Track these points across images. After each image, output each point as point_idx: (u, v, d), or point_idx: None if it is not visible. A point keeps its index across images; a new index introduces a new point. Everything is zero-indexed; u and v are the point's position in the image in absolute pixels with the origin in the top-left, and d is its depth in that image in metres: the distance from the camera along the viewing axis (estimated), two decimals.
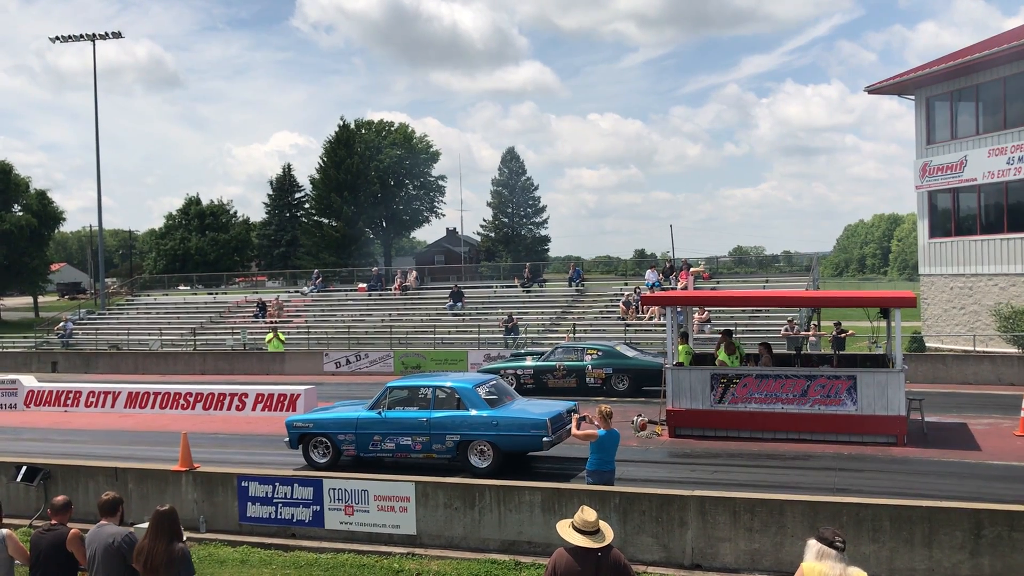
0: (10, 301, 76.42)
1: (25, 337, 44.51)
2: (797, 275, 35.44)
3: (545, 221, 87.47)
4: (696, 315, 27.26)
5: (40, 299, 76.09)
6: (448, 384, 13.88)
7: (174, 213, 77.92)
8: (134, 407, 21.41)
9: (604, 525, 5.58)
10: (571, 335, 29.63)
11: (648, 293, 29.84)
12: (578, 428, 10.67)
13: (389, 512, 10.11)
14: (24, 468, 11.58)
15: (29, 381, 23.33)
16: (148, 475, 11.40)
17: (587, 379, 21.27)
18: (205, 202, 77.84)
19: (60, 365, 33.83)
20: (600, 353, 21.58)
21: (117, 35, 48.92)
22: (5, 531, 6.72)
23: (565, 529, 5.54)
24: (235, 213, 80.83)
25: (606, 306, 34.19)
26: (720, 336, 17.93)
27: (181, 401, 21.05)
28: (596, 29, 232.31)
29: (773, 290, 29.95)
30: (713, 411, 15.53)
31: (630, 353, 21.86)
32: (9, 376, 24.21)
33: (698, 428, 15.68)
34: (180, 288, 50.65)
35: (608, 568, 5.40)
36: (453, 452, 13.41)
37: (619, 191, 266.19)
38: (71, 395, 22.26)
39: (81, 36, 48.92)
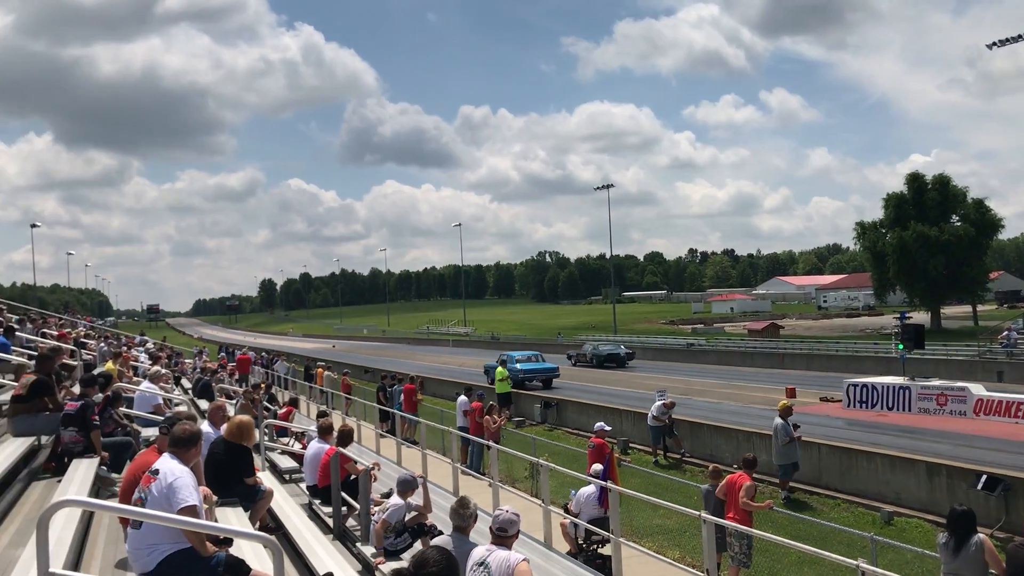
0: (950, 310, 78.26)
1: (967, 345, 45.07)
2: None
3: None
4: None
5: (979, 308, 76.19)
6: None
7: None
8: None
9: None
10: None
11: None
12: None
13: None
14: (984, 477, 11.76)
15: (977, 389, 23.57)
16: None
17: None
18: None
19: (1005, 375, 33.26)
20: None
21: None
22: (981, 536, 6.92)
23: None
24: None
25: None
26: None
27: None
28: None
29: None
30: None
31: None
32: (957, 383, 24.90)
33: None
34: None
35: None
36: None
37: None
38: (1021, 406, 21.63)
39: (1018, 37, 47.41)
